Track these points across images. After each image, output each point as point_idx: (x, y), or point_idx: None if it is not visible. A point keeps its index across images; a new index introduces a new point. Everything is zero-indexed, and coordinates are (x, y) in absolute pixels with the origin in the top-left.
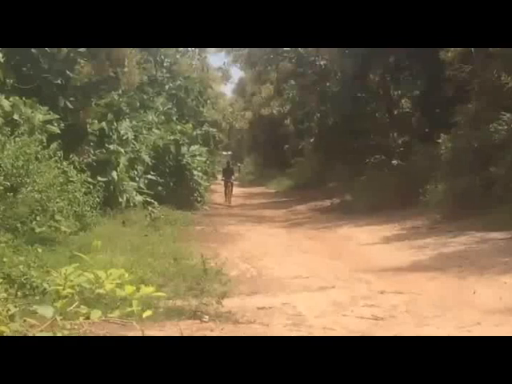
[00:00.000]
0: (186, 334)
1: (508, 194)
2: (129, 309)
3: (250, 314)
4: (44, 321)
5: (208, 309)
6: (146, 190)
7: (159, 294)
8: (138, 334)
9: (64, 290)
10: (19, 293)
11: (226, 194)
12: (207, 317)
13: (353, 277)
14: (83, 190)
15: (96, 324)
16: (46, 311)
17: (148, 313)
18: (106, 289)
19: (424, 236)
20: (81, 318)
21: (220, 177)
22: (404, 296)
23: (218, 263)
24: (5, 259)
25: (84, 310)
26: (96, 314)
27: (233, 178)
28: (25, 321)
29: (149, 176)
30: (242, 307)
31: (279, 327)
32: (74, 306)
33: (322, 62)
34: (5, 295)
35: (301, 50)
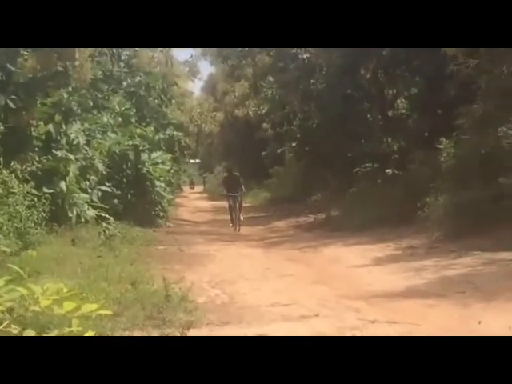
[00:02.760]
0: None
1: None
2: (68, 329)
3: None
4: None
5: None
6: (99, 204)
7: (104, 311)
8: None
9: None
10: None
11: (231, 215)
12: None
13: (340, 304)
14: (26, 203)
15: None
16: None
17: (90, 334)
18: (42, 306)
19: (422, 257)
20: None
21: (220, 189)
22: (399, 326)
23: (183, 288)
24: None
25: (15, 330)
26: (29, 335)
27: (240, 191)
28: None
29: (103, 187)
30: (210, 333)
31: None
32: (4, 325)
33: (305, 56)
34: None
35: None
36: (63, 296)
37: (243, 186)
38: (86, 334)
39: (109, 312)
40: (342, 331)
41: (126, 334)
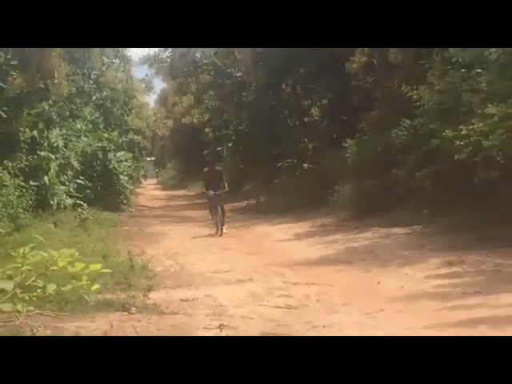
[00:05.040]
0: (114, 325)
1: (409, 193)
2: (79, 283)
3: (174, 306)
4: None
5: (135, 301)
6: (75, 194)
7: (105, 270)
8: (70, 324)
9: (22, 266)
10: None
11: (212, 213)
12: (134, 309)
13: (268, 270)
14: (17, 193)
15: (33, 316)
16: (7, 285)
17: (96, 286)
18: (59, 266)
19: (333, 232)
20: (38, 291)
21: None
22: (315, 287)
23: (144, 260)
24: None
25: (40, 283)
26: (51, 288)
27: (222, 188)
28: None
29: (78, 180)
30: (166, 299)
31: (201, 317)
32: (32, 280)
33: (238, 74)
34: None
35: (218, 62)
36: (75, 259)
37: (226, 184)
38: (93, 287)
39: (109, 271)
40: (270, 291)
41: (99, 296)
